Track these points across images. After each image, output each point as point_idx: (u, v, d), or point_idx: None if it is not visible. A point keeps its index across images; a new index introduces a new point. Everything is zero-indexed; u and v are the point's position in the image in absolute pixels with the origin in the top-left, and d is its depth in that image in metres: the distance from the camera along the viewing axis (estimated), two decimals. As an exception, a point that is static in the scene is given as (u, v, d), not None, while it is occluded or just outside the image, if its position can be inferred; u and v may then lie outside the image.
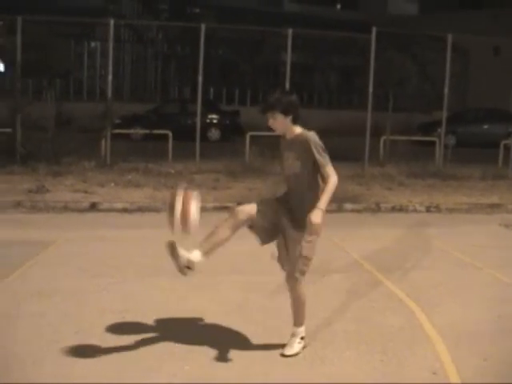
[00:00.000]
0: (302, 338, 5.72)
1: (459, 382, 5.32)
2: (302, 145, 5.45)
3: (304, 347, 5.71)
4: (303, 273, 5.55)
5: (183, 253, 5.31)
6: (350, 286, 7.92)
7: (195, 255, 5.34)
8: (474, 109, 32.89)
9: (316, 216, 5.28)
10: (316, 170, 5.47)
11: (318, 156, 5.40)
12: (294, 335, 5.71)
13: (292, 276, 5.55)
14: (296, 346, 5.66)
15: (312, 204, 5.34)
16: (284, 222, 5.51)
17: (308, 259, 5.51)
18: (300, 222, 5.42)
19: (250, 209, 5.44)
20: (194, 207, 5.36)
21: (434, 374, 5.46)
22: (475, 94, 36.79)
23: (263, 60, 37.56)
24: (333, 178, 5.39)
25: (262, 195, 13.27)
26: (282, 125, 5.52)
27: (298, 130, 5.56)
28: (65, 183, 14.28)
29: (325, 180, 5.43)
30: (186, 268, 5.37)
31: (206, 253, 5.41)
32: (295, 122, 5.55)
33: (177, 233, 5.26)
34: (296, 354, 5.61)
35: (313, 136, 5.46)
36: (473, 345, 6.17)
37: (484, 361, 5.78)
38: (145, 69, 41.82)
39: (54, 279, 7.80)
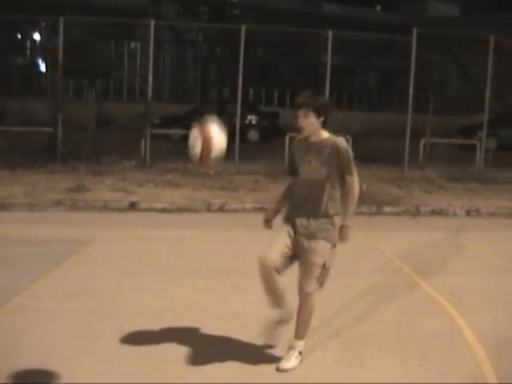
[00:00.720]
0: (300, 353, 5.43)
1: (499, 388, 5.26)
2: (331, 150, 5.28)
3: (300, 361, 5.45)
4: (322, 284, 5.39)
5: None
6: (389, 289, 7.86)
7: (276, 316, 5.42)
8: (515, 112, 32.46)
9: (347, 235, 5.31)
10: (337, 178, 5.33)
11: (348, 164, 5.29)
12: (292, 348, 5.42)
13: (308, 287, 5.34)
14: (293, 361, 5.37)
15: (329, 211, 5.30)
16: (299, 238, 5.33)
17: (329, 270, 5.38)
18: (317, 233, 5.30)
19: (272, 256, 5.24)
20: (216, 143, 5.11)
21: (475, 380, 5.39)
22: (517, 98, 36.35)
23: (303, 61, 37.53)
24: (356, 188, 5.34)
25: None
26: (313, 125, 5.32)
27: (325, 134, 5.39)
28: (105, 182, 14.39)
29: (347, 188, 5.35)
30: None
31: (279, 305, 5.42)
32: (324, 125, 5.39)
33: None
34: (292, 369, 5.33)
35: (344, 142, 5.34)
36: (512, 351, 6.09)
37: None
38: (184, 70, 42.04)
39: (93, 277, 7.86)
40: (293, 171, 5.55)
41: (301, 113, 5.31)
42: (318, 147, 5.32)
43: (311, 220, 5.30)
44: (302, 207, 5.36)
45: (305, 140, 5.43)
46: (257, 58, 38.14)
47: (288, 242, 5.29)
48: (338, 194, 5.36)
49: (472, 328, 6.61)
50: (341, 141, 5.33)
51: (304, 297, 5.37)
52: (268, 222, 5.65)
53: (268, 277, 5.23)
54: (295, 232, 5.31)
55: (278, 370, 5.31)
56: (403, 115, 18.84)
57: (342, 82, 34.88)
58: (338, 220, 5.35)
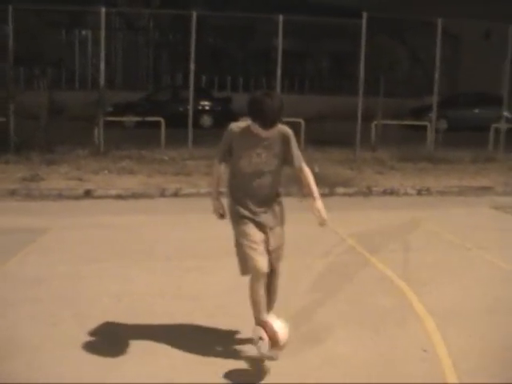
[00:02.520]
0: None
1: (448, 358, 5.47)
2: (281, 140, 5.30)
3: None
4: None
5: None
6: (342, 268, 8.05)
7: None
8: (465, 93, 32.95)
9: (322, 206, 5.39)
10: (283, 164, 5.40)
11: (296, 152, 5.38)
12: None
13: (279, 267, 5.51)
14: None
15: (280, 196, 5.46)
16: (265, 229, 5.36)
17: None
18: (279, 219, 5.45)
19: (264, 261, 5.24)
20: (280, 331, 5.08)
21: (425, 351, 5.61)
22: (466, 79, 36.83)
23: (255, 47, 37.54)
24: (308, 169, 5.49)
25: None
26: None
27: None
28: (59, 171, 14.34)
29: (305, 173, 5.46)
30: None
31: (264, 312, 5.33)
32: None
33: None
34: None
35: (290, 131, 5.35)
36: (461, 323, 6.32)
37: (469, 337, 5.95)
38: (137, 57, 41.74)
39: (50, 265, 7.90)
40: (226, 159, 5.40)
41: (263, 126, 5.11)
42: (269, 141, 5.24)
43: (269, 210, 5.39)
44: (256, 198, 5.32)
45: (250, 132, 5.19)
46: (209, 44, 38.08)
47: (262, 236, 5.32)
48: (281, 176, 5.49)
49: (422, 302, 6.85)
50: (288, 130, 5.35)
51: (277, 277, 5.54)
52: (222, 214, 5.52)
53: (263, 283, 5.28)
54: (258, 223, 5.34)
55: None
56: (355, 98, 18.96)
57: (294, 67, 34.99)
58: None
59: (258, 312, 5.29)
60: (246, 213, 5.29)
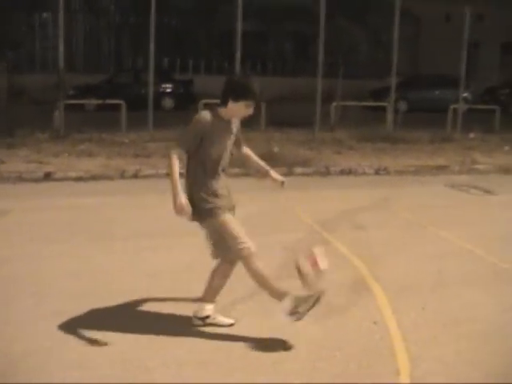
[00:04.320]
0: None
1: (397, 330, 5.67)
2: (239, 123, 5.53)
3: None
4: None
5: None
6: (298, 245, 8.19)
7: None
8: (425, 75, 33.34)
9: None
10: None
11: (240, 134, 5.64)
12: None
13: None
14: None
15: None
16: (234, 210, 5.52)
17: None
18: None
19: (251, 241, 5.34)
20: (321, 264, 5.37)
21: (375, 323, 5.80)
22: (427, 61, 37.22)
23: (217, 29, 37.47)
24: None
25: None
26: None
27: None
28: (19, 154, 14.29)
29: (249, 152, 5.80)
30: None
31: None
32: None
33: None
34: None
35: None
36: (412, 297, 6.53)
37: (422, 309, 6.16)
38: (98, 39, 41.44)
39: (9, 246, 7.95)
40: (191, 149, 5.23)
41: (253, 104, 5.31)
42: (231, 124, 5.41)
43: (229, 192, 5.50)
44: (222, 182, 5.39)
45: (220, 118, 5.29)
46: (171, 26, 37.93)
47: (237, 219, 5.45)
48: None
49: (375, 277, 7.04)
50: None
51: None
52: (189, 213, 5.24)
53: (258, 260, 5.35)
54: (231, 207, 5.45)
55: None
56: (316, 80, 19.12)
57: (256, 48, 35.02)
58: None
59: (273, 287, 5.38)
60: (220, 202, 5.31)
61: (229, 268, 5.57)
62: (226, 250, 5.39)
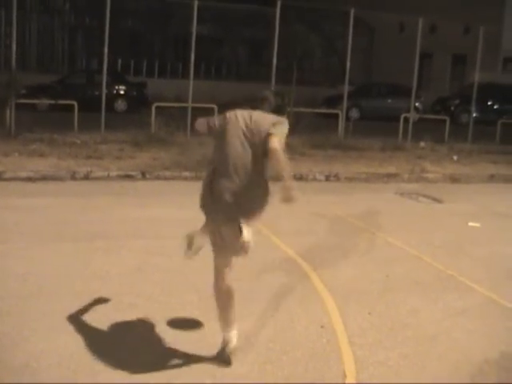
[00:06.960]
0: None
1: (344, 333, 5.74)
2: None
3: None
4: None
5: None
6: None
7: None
8: (377, 83, 33.71)
9: None
10: None
11: None
12: None
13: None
14: None
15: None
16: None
17: None
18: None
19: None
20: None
21: (322, 327, 5.87)
22: (380, 70, 37.63)
23: (172, 32, 37.41)
24: None
25: (166, 165, 13.52)
26: None
27: None
28: (-32, 153, 14.11)
29: None
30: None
31: None
32: None
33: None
34: None
35: None
36: (360, 301, 6.61)
37: (368, 314, 6.24)
38: (52, 39, 41.05)
39: (-44, 246, 7.87)
40: (210, 131, 5.26)
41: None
42: None
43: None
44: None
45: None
46: (126, 29, 37.76)
47: None
48: None
49: (324, 282, 7.12)
50: None
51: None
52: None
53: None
54: None
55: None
56: (270, 85, 19.20)
57: (210, 53, 35.06)
58: None
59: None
60: None
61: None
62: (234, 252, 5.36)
